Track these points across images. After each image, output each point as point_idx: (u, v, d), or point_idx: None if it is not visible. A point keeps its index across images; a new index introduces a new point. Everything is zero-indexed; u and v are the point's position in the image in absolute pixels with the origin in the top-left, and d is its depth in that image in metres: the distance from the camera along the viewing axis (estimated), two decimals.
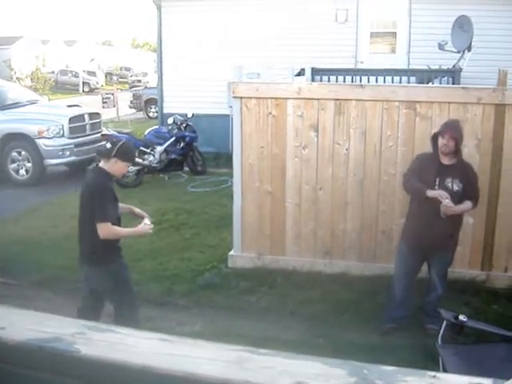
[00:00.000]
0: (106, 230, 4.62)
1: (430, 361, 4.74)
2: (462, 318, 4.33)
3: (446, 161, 5.37)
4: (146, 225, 4.90)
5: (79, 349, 0.89)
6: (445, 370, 4.18)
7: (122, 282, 4.92)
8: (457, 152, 5.35)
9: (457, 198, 5.22)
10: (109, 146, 4.77)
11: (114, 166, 4.74)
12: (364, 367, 0.89)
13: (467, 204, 5.28)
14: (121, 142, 4.88)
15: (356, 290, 6.43)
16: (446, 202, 5.07)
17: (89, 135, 12.99)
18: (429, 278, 5.61)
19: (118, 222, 4.86)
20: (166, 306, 6.30)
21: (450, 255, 5.54)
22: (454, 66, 12.00)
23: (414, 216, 5.49)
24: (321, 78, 11.91)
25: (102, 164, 4.83)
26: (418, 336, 5.48)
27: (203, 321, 5.90)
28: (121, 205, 5.08)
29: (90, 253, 4.79)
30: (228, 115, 11.72)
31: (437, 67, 12.26)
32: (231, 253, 7.24)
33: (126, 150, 4.80)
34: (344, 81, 11.49)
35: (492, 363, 4.17)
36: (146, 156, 12.21)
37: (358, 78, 11.56)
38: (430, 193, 5.18)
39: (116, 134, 12.34)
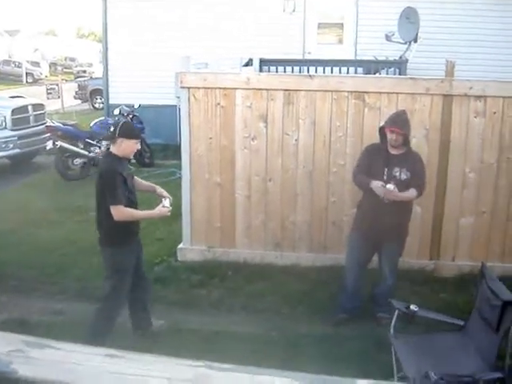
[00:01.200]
0: (119, 212, 4.72)
1: (382, 350, 4.77)
2: (413, 307, 4.36)
3: (394, 151, 5.39)
4: (165, 207, 4.95)
5: (16, 369, 0.78)
6: (397, 360, 4.21)
7: (133, 264, 5.05)
8: (405, 143, 5.37)
9: (404, 187, 5.24)
10: (112, 128, 4.86)
11: (121, 147, 4.81)
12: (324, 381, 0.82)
13: (411, 191, 5.29)
14: (121, 122, 5.00)
15: (307, 282, 6.42)
16: (389, 186, 5.10)
17: (32, 127, 12.68)
18: (379, 268, 5.63)
19: (134, 203, 4.96)
20: None
21: (400, 245, 5.56)
22: (400, 57, 12.12)
23: (364, 206, 5.51)
24: (269, 68, 11.87)
25: (111, 148, 4.90)
26: (370, 326, 5.50)
27: (153, 316, 5.76)
28: (144, 182, 5.30)
29: (105, 234, 4.97)
30: (175, 106, 11.58)
31: (384, 58, 12.36)
32: (181, 246, 7.14)
33: (128, 127, 4.92)
34: (292, 71, 11.49)
35: (443, 351, 4.22)
36: (92, 148, 11.95)
37: (305, 68, 11.56)
38: (372, 184, 5.20)
39: (61, 125, 12.07)
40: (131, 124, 5.10)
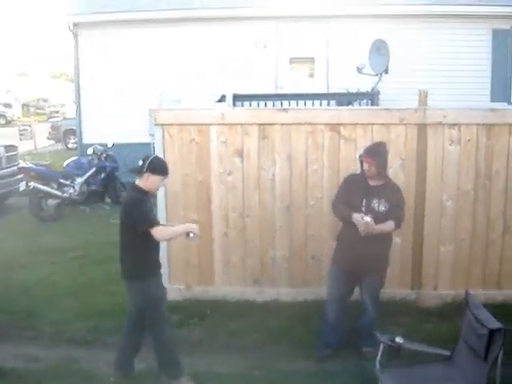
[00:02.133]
0: (159, 232, 4.78)
1: None
2: (398, 340, 4.29)
3: (372, 182, 5.37)
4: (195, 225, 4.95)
5: None
6: None
7: (157, 297, 5.00)
8: (380, 175, 5.34)
9: (383, 219, 5.21)
10: (140, 162, 4.85)
11: (148, 181, 4.83)
12: None
13: (389, 224, 5.24)
14: (152, 157, 4.97)
15: (289, 317, 6.31)
16: (366, 218, 5.05)
17: (5, 168, 12.46)
18: (361, 300, 5.55)
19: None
20: (92, 345, 5.96)
21: (381, 277, 5.49)
22: (372, 89, 12.23)
23: (344, 239, 5.45)
24: (242, 103, 11.90)
25: (137, 181, 4.90)
26: (355, 360, 5.42)
27: (135, 359, 5.62)
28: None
29: (130, 268, 4.95)
30: (150, 143, 11.50)
31: (356, 91, 12.48)
32: None
33: (156, 163, 4.89)
34: (265, 106, 11.50)
35: (430, 383, 4.13)
36: (65, 188, 11.83)
37: (279, 103, 11.62)
38: (353, 217, 5.18)
39: (33, 166, 11.94)
40: (160, 160, 5.08)
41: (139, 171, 4.85)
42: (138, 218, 4.72)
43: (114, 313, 6.59)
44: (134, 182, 4.96)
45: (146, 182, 4.84)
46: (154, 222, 4.80)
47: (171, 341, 5.11)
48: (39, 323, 6.39)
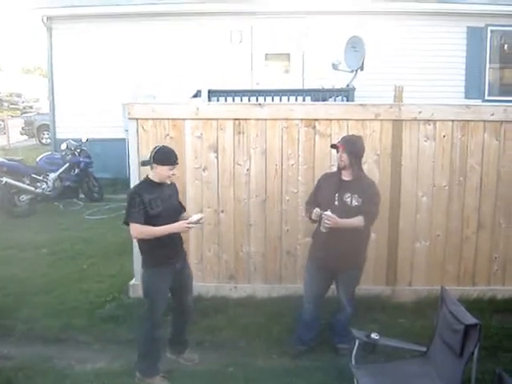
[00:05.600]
0: (135, 230, 4.88)
1: (344, 381, 4.66)
2: (374, 336, 4.28)
3: (346, 176, 5.34)
4: (188, 221, 4.94)
5: None
6: None
7: (152, 289, 5.03)
8: (352, 166, 5.31)
9: (355, 214, 5.17)
10: (148, 156, 4.99)
11: (156, 173, 4.93)
12: None
13: (357, 219, 5.16)
14: (157, 147, 5.01)
15: (264, 314, 6.27)
16: (326, 212, 5.01)
17: None
18: (337, 296, 5.53)
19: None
20: (64, 343, 5.85)
21: (357, 273, 5.47)
22: (347, 85, 12.24)
23: (319, 235, 5.39)
24: (217, 99, 11.83)
25: (150, 173, 5.02)
26: (330, 356, 5.40)
27: (106, 357, 5.54)
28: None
29: (141, 256, 5.13)
30: (124, 139, 11.40)
31: (331, 87, 12.48)
32: (133, 282, 6.91)
33: (160, 154, 4.93)
34: (241, 101, 11.44)
35: (406, 379, 4.13)
36: (38, 184, 11.67)
37: (254, 98, 11.57)
38: (313, 213, 5.14)
39: (6, 161, 11.74)
40: (165, 150, 5.02)
41: (148, 163, 4.96)
42: (126, 211, 4.93)
43: (86, 311, 6.53)
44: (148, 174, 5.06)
45: (155, 173, 4.94)
46: (131, 219, 4.84)
47: (152, 339, 5.07)
48: (10, 320, 6.27)
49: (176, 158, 4.98)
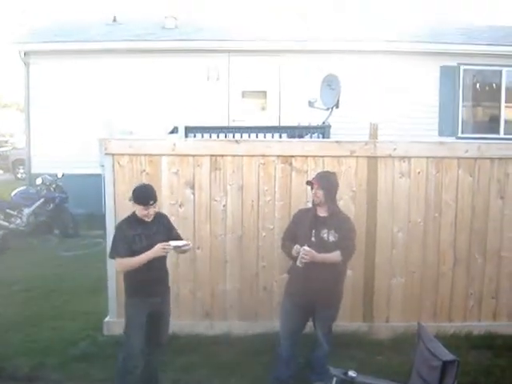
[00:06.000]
0: (117, 264, 5.13)
1: None
2: (351, 373, 4.23)
3: (321, 212, 5.36)
4: (164, 245, 4.96)
5: None
6: None
7: (127, 318, 5.12)
8: (327, 202, 5.32)
9: (333, 249, 5.19)
10: None
11: (137, 210, 5.03)
12: None
13: (334, 254, 5.19)
14: (136, 186, 5.15)
15: (240, 351, 6.19)
16: (304, 247, 5.02)
17: None
18: (314, 333, 5.49)
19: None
20: (36, 382, 5.71)
21: (334, 310, 5.44)
22: (323, 123, 12.33)
23: (295, 271, 5.37)
24: (194, 135, 11.81)
25: None
26: None
27: None
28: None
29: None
30: (100, 174, 11.33)
31: (307, 124, 12.56)
32: (107, 319, 6.81)
33: (135, 194, 5.04)
34: (218, 138, 11.45)
35: None
36: (12, 219, 11.56)
37: (231, 135, 11.57)
38: (293, 250, 5.15)
39: None
40: (140, 189, 5.10)
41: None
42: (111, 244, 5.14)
43: (59, 349, 6.39)
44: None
45: (136, 210, 5.03)
46: (113, 252, 5.07)
47: (124, 370, 5.07)
48: None
49: (150, 199, 5.00)
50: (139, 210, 4.98)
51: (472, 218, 6.65)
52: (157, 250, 4.91)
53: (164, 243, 4.94)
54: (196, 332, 6.65)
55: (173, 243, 4.99)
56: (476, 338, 6.59)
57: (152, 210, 5.03)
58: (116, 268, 5.13)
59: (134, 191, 5.04)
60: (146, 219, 5.03)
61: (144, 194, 5.00)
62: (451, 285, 6.71)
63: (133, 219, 5.04)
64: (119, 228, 5.08)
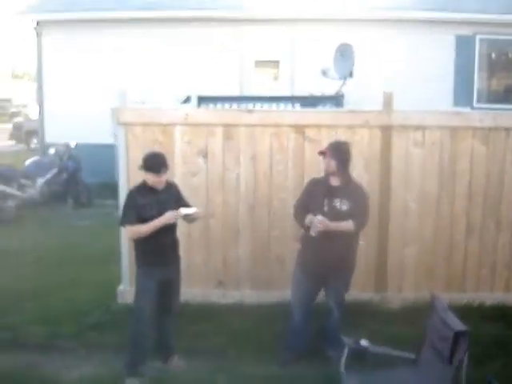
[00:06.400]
0: (127, 231, 5.14)
1: None
2: (363, 343, 4.26)
3: (334, 182, 5.33)
4: (174, 213, 4.99)
5: None
6: None
7: (138, 288, 5.15)
8: (340, 172, 5.29)
9: (346, 219, 5.16)
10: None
11: (147, 179, 5.01)
12: None
13: (347, 223, 5.16)
14: (146, 155, 5.08)
15: (252, 320, 6.22)
16: (318, 217, 5.01)
17: None
18: (326, 302, 5.50)
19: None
20: (51, 350, 5.77)
21: (347, 280, 5.44)
22: (336, 92, 12.24)
23: (307, 241, 5.37)
24: (207, 105, 11.78)
25: None
26: (320, 364, 5.34)
27: (93, 363, 5.47)
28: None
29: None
30: (113, 144, 11.34)
31: (320, 94, 12.47)
32: (120, 288, 6.86)
33: (146, 162, 5.00)
34: (230, 108, 11.41)
35: None
36: (26, 189, 11.59)
37: (243, 105, 11.52)
38: (306, 220, 5.12)
39: None
40: (150, 157, 5.08)
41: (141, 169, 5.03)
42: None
43: (74, 318, 6.45)
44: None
45: (147, 179, 5.01)
46: (123, 221, 5.05)
47: (139, 340, 5.13)
48: None
49: (161, 167, 4.99)
50: (151, 178, 4.97)
51: (486, 187, 6.61)
52: (167, 216, 4.92)
53: (174, 211, 4.95)
54: (209, 301, 6.69)
55: (183, 210, 5.02)
56: (488, 308, 6.58)
57: (164, 178, 5.03)
58: (127, 235, 5.12)
59: (145, 159, 5.01)
60: (159, 187, 5.03)
61: (156, 162, 4.98)
62: (464, 254, 6.70)
63: (143, 187, 5.03)
64: (130, 196, 5.08)
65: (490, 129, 6.53)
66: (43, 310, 6.64)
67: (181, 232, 6.56)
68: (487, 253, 6.71)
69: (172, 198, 5.16)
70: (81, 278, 7.82)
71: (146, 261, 5.06)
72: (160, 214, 4.94)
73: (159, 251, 5.04)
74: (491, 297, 6.71)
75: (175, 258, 5.29)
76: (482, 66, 14.79)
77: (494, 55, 15.04)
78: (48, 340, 5.94)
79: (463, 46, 14.29)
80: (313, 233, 5.06)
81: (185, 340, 5.77)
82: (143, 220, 4.91)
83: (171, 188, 5.21)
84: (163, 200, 5.04)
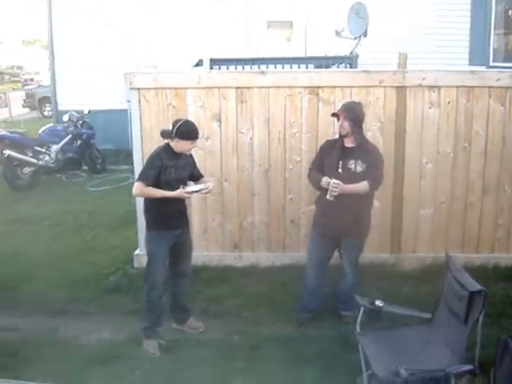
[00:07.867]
0: (135, 187, 5.02)
1: (349, 349, 4.67)
2: (378, 303, 4.27)
3: (348, 143, 5.28)
4: (186, 190, 5.03)
5: None
6: (365, 358, 4.09)
7: (151, 252, 5.16)
8: (353, 133, 5.25)
9: (361, 180, 5.13)
10: (171, 127, 5.00)
11: (177, 145, 4.99)
12: None
13: (362, 184, 5.12)
14: (180, 122, 5.01)
15: (268, 283, 6.29)
16: (333, 180, 4.98)
17: None
18: (341, 264, 5.52)
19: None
20: (69, 314, 5.86)
21: (361, 241, 5.44)
22: (351, 53, 12.10)
23: (322, 203, 5.36)
24: (219, 68, 11.69)
25: (171, 142, 5.04)
26: (335, 324, 5.40)
27: (111, 327, 5.55)
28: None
29: (144, 218, 5.26)
30: (126, 110, 11.33)
31: (334, 55, 12.34)
32: (137, 252, 6.92)
33: (184, 130, 4.96)
34: (243, 70, 11.33)
35: (411, 346, 4.12)
36: (41, 156, 11.65)
37: (256, 67, 11.44)
38: (322, 182, 5.09)
39: (8, 134, 11.72)
40: (188, 125, 5.07)
41: (170, 136, 4.99)
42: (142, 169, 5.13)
43: (91, 282, 6.54)
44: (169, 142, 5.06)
45: (175, 145, 4.99)
46: (141, 177, 5.00)
47: (154, 304, 5.16)
48: (16, 293, 6.29)
49: (197, 133, 5.03)
50: (185, 145, 4.99)
51: (502, 148, 6.53)
52: (178, 193, 4.95)
53: (184, 190, 4.97)
54: (224, 263, 6.75)
55: (189, 189, 5.05)
56: (503, 269, 6.58)
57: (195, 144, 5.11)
58: (133, 191, 5.03)
59: (182, 127, 4.96)
60: (187, 153, 5.11)
61: (192, 130, 5.01)
62: (479, 216, 6.67)
63: (169, 150, 5.02)
64: (157, 156, 5.00)
65: (507, 88, 6.42)
66: (62, 276, 6.75)
67: (196, 196, 6.60)
68: (503, 214, 6.67)
69: (189, 165, 5.20)
70: (97, 243, 7.90)
71: (156, 226, 5.09)
72: (176, 178, 4.99)
73: (170, 216, 5.06)
74: (506, 257, 6.68)
75: (185, 222, 5.33)
76: (499, 24, 14.48)
77: (511, 12, 14.73)
78: (67, 304, 6.04)
79: (479, 3, 13.99)
80: (329, 197, 5.04)
81: (201, 303, 5.85)
82: (160, 181, 4.93)
83: (188, 156, 5.22)
84: (181, 166, 5.07)
